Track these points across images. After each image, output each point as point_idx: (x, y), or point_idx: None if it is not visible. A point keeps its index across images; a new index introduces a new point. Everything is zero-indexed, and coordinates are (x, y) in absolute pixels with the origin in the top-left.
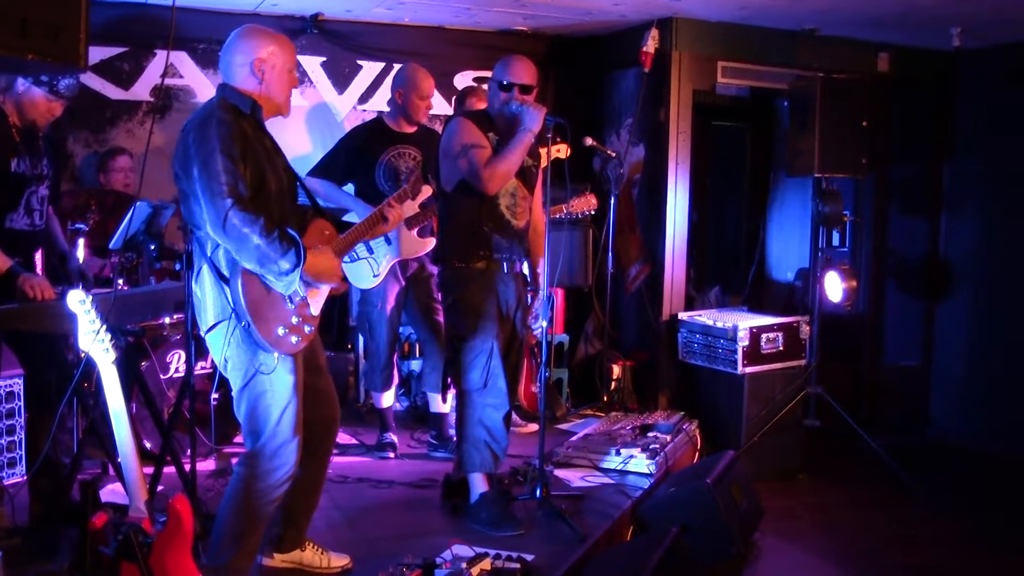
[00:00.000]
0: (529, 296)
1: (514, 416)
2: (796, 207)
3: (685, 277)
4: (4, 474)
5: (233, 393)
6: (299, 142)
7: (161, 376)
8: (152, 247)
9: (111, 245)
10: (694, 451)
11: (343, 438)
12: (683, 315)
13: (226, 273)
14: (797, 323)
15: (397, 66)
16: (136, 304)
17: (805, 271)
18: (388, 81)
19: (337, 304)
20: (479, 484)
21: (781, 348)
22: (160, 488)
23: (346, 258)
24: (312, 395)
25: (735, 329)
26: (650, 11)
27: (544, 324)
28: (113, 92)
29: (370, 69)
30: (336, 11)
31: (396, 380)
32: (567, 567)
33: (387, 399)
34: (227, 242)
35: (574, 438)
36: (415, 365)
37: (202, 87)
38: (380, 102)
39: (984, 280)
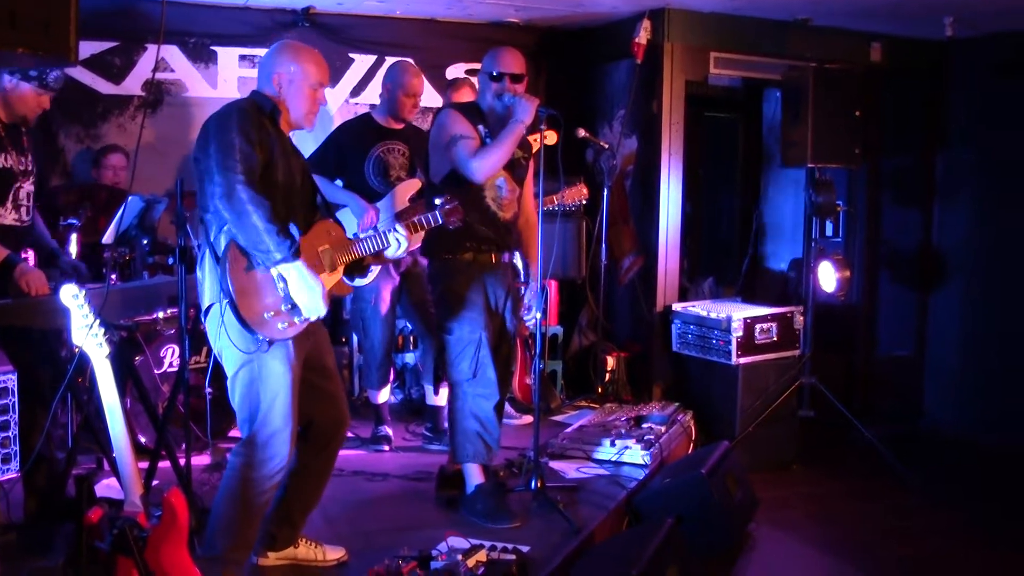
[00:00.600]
0: (521, 288)
1: (508, 408)
2: (789, 197)
3: (679, 268)
4: None
5: (227, 382)
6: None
7: (155, 370)
8: (145, 241)
9: (104, 240)
10: (688, 442)
11: None
12: (677, 306)
13: (220, 254)
14: (791, 313)
15: (389, 59)
16: (129, 299)
17: (798, 261)
18: (380, 74)
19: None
20: (474, 476)
21: (775, 339)
22: (155, 482)
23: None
24: (318, 396)
25: (729, 320)
26: (642, 2)
27: (538, 316)
28: (104, 87)
29: (362, 62)
30: (327, 4)
31: (392, 376)
32: (562, 558)
33: (383, 395)
34: (229, 213)
35: (569, 430)
36: (409, 358)
37: (193, 81)
38: (372, 95)
39: (977, 270)
